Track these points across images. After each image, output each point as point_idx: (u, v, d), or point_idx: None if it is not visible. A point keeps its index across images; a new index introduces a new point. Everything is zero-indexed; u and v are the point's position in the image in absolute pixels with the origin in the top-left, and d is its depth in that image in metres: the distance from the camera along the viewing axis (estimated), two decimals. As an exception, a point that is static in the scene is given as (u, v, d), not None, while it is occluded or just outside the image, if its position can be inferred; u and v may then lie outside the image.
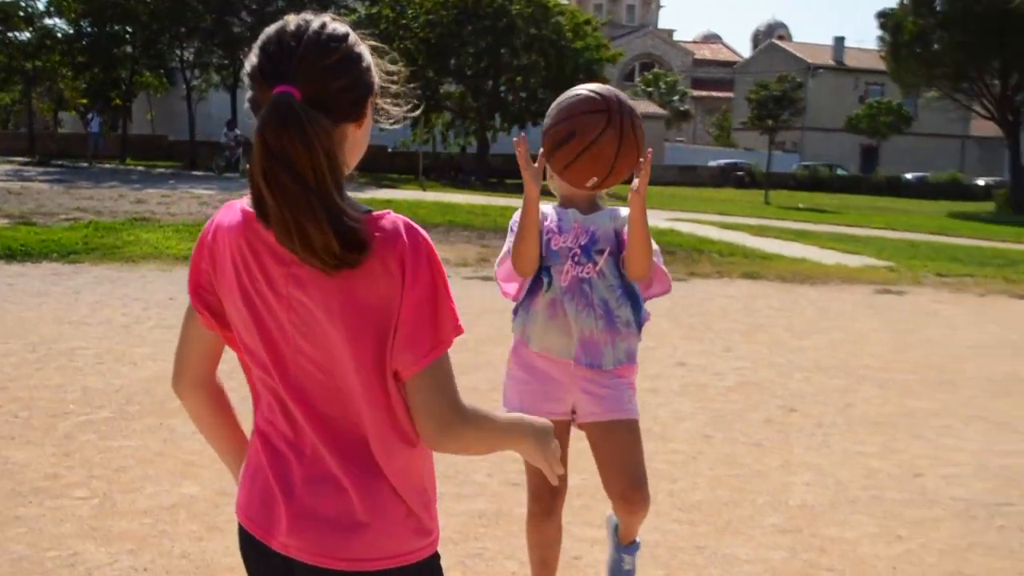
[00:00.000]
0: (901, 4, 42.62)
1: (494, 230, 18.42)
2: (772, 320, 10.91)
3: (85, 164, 36.02)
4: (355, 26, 1.75)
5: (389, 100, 1.81)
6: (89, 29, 40.58)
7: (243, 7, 39.37)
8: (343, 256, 1.60)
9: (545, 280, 3.22)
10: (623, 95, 2.99)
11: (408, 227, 1.68)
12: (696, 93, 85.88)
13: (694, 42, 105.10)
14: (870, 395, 7.58)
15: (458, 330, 1.72)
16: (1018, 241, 26.05)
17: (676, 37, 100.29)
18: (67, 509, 4.55)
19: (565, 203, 3.32)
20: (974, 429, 6.75)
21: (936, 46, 41.03)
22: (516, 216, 3.24)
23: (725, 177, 54.19)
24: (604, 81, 43.49)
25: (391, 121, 1.85)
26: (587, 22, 41.12)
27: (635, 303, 3.29)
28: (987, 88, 42.81)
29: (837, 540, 4.62)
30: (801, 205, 38.34)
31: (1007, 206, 42.04)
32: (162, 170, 35.92)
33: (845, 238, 21.86)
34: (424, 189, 30.76)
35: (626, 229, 3.13)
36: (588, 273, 3.21)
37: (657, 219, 24.51)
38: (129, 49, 41.38)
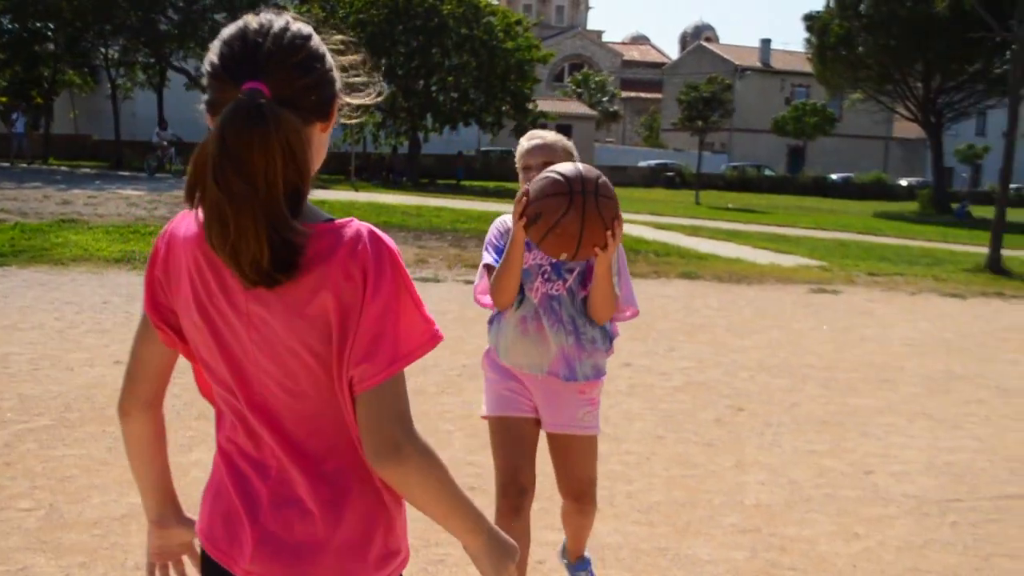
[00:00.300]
0: (827, 7, 43.35)
1: (430, 230, 18.34)
2: (712, 320, 10.98)
3: (7, 164, 35.09)
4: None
5: (351, 95, 1.74)
6: (10, 25, 39.57)
7: (170, 5, 38.70)
8: (269, 274, 1.53)
9: (517, 297, 3.30)
10: (590, 172, 3.04)
11: (372, 235, 1.60)
12: (625, 94, 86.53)
13: (623, 43, 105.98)
14: (815, 394, 7.66)
15: (435, 337, 1.64)
16: (943, 240, 26.66)
17: (605, 38, 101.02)
18: (12, 522, 4.39)
19: None
20: (918, 426, 6.85)
21: (861, 49, 41.79)
22: (493, 231, 3.34)
23: (655, 177, 54.66)
24: (535, 82, 43.59)
25: (355, 116, 1.76)
26: (518, 22, 41.15)
27: None
28: (911, 91, 43.73)
29: (796, 539, 4.65)
30: (731, 205, 38.80)
31: (930, 206, 42.99)
32: (87, 170, 35.12)
33: (777, 238, 22.16)
34: (356, 190, 30.53)
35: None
36: (558, 291, 3.30)
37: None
38: (51, 46, 40.43)
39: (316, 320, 1.58)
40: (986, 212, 44.13)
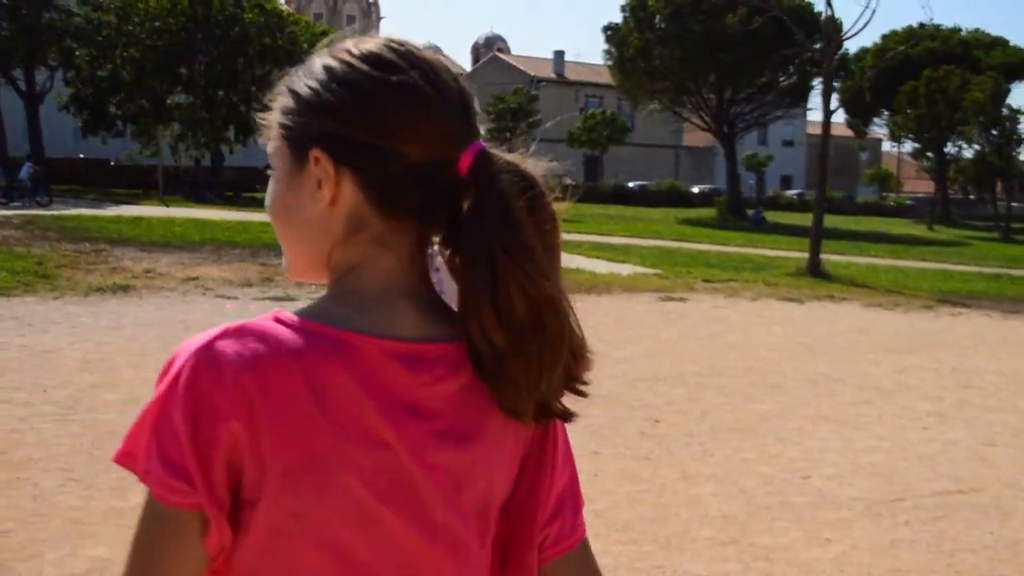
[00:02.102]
0: (625, 20, 44.78)
1: (266, 247, 17.83)
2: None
3: None
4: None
5: None
6: None
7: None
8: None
9: None
10: None
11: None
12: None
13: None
14: (717, 401, 7.88)
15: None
16: (750, 245, 27.94)
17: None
18: (-25, 587, 4.00)
19: None
20: (825, 429, 7.15)
21: (658, 61, 43.37)
22: None
23: (461, 188, 55.03)
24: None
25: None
26: (324, 33, 40.56)
27: None
28: (705, 102, 45.71)
29: (775, 548, 4.76)
30: (541, 214, 39.42)
31: (727, 212, 44.99)
32: None
33: (605, 247, 22.68)
34: (167, 205, 29.35)
35: None
36: None
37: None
38: None
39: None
40: (779, 217, 46.73)
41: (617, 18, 46.09)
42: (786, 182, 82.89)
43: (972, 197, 65.34)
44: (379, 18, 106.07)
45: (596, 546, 4.11)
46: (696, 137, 78.03)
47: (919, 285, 18.20)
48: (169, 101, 39.51)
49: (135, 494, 5.07)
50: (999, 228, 45.29)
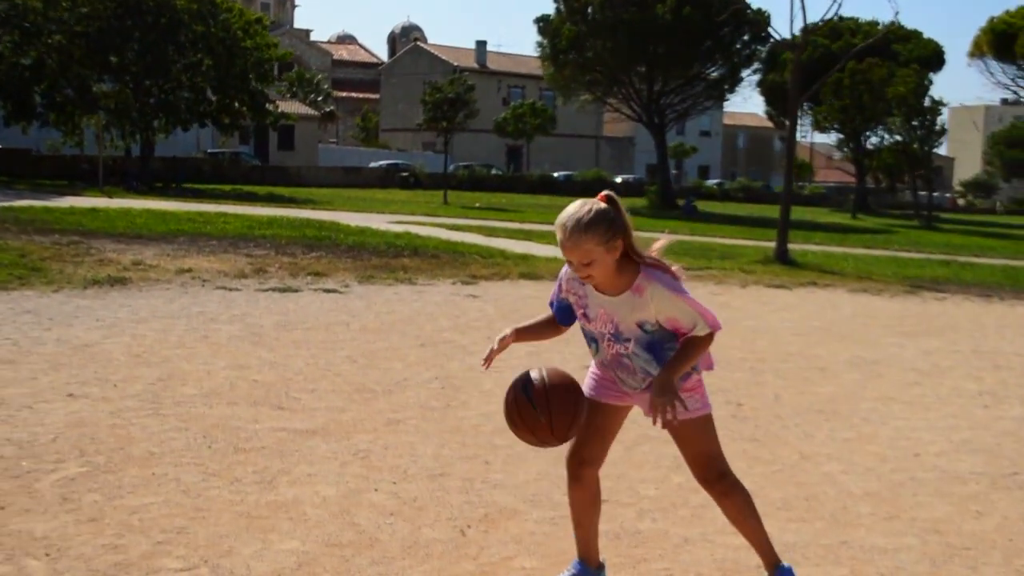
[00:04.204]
0: (557, 11, 44.96)
1: (239, 238, 17.57)
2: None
3: None
4: None
5: None
6: None
7: None
8: None
9: (593, 347, 3.72)
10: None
11: None
12: (337, 94, 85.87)
13: (330, 43, 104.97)
14: (781, 385, 8.05)
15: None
16: (694, 233, 28.30)
17: (313, 37, 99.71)
18: (206, 579, 3.92)
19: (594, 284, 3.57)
20: (898, 410, 7.37)
21: (590, 53, 43.66)
22: (564, 271, 3.67)
23: (390, 178, 54.75)
24: (274, 82, 42.32)
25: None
26: (258, 20, 39.98)
27: None
28: (636, 93, 46.16)
29: (936, 521, 4.91)
30: (478, 204, 39.51)
31: (659, 201, 45.55)
32: None
33: (567, 236, 22.78)
34: (110, 196, 28.64)
35: (651, 321, 3.52)
36: (625, 350, 3.60)
37: (377, 221, 24.39)
38: None
39: None
40: (702, 206, 47.47)
41: (546, 8, 46.21)
42: (704, 172, 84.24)
43: (884, 186, 67.20)
44: (294, 6, 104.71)
45: (771, 525, 4.22)
46: (616, 127, 78.84)
47: (883, 271, 18.73)
48: (96, 89, 38.49)
49: (284, 486, 5.05)
50: (919, 216, 46.71)
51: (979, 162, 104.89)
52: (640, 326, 3.54)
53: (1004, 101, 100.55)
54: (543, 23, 44.76)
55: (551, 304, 3.81)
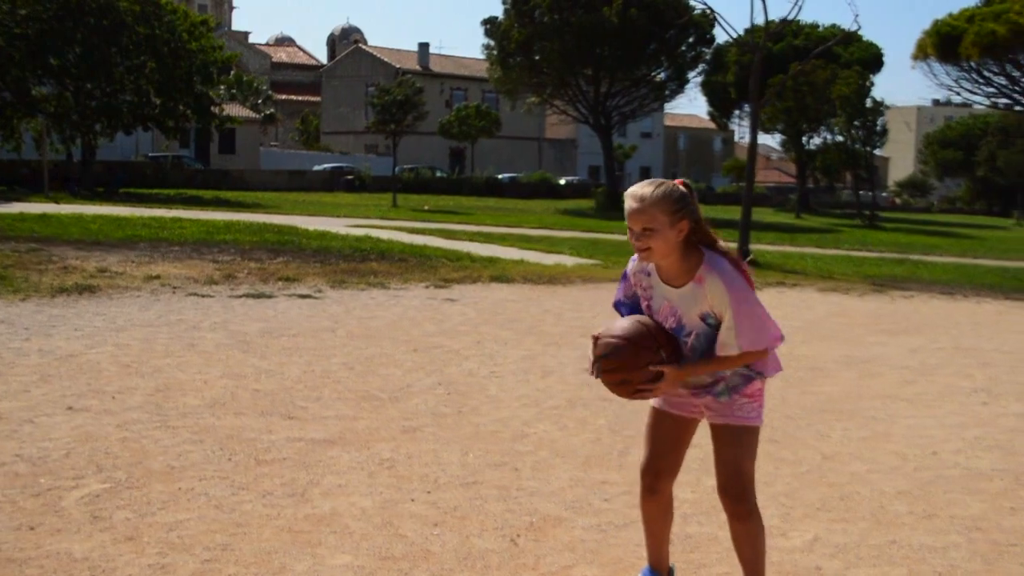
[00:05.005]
0: (506, 13, 44.93)
1: (203, 242, 17.28)
2: (590, 322, 11.18)
3: None
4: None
5: None
6: None
7: None
8: None
9: None
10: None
11: None
12: (277, 97, 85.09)
13: (269, 45, 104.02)
14: (782, 386, 8.05)
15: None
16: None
17: (251, 40, 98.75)
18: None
19: (660, 272, 3.58)
20: (901, 408, 7.43)
21: (538, 55, 43.71)
22: (630, 265, 3.71)
23: (335, 181, 54.34)
24: (219, 84, 41.82)
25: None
26: (204, 23, 39.43)
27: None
28: (583, 95, 46.31)
29: (974, 518, 4.94)
30: (427, 207, 39.36)
31: (606, 203, 45.74)
32: None
33: (528, 239, 22.82)
34: (57, 202, 28.04)
35: (711, 313, 3.50)
36: (686, 343, 3.58)
37: (335, 225, 24.16)
38: None
39: None
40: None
41: (488, 10, 46.20)
42: (645, 173, 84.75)
43: (823, 186, 68.19)
44: (231, 7, 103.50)
45: (816, 526, 4.22)
46: (558, 130, 79.04)
47: (843, 270, 18.96)
48: (35, 92, 37.68)
49: (318, 499, 4.94)
50: (861, 215, 47.42)
51: (912, 162, 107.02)
52: (703, 319, 3.51)
53: (935, 102, 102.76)
54: (491, 25, 44.70)
55: (616, 305, 3.82)
